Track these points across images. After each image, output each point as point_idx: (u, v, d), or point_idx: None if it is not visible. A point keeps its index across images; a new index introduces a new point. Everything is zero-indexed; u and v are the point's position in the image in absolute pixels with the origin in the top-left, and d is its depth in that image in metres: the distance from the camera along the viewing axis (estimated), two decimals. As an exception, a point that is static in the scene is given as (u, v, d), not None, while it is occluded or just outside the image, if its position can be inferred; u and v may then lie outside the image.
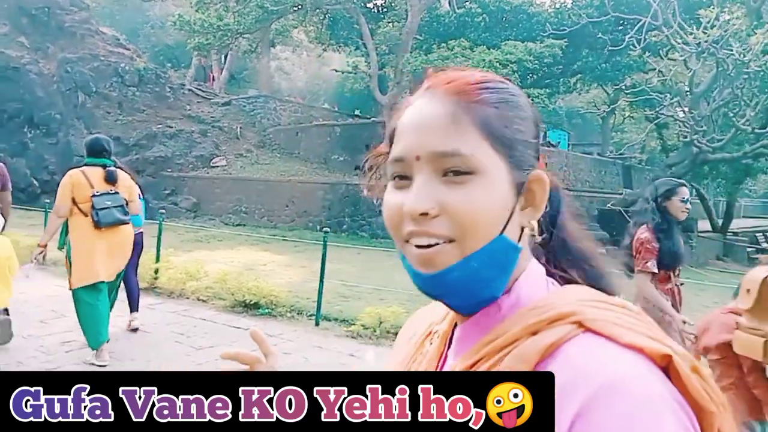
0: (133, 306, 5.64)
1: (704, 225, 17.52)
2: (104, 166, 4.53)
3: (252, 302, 6.73)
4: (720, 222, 18.09)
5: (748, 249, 18.32)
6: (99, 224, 4.31)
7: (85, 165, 4.52)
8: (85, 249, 4.35)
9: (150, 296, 7.29)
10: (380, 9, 19.46)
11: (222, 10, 15.92)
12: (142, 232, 5.69)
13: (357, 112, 30.71)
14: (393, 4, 17.47)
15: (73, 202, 4.33)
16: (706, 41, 10.11)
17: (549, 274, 0.68)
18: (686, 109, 11.51)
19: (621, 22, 15.57)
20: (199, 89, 25.73)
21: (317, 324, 6.28)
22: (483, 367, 0.58)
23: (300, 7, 15.21)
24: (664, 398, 0.50)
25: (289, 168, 21.07)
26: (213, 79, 28.81)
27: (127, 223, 4.59)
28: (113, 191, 4.47)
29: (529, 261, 0.66)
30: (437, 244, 0.59)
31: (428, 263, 0.60)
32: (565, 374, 0.51)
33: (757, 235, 20.50)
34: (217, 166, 21.44)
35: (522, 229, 0.64)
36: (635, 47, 12.69)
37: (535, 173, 0.64)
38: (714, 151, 12.20)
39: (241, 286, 6.93)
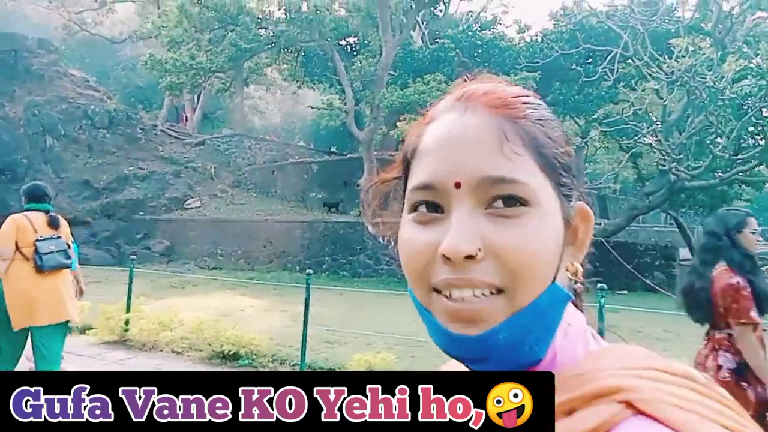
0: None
1: (684, 253, 17.60)
2: (46, 212, 4.59)
3: (231, 352, 6.29)
4: (698, 248, 18.20)
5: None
6: (42, 268, 4.26)
7: (27, 210, 4.53)
8: (25, 292, 4.25)
9: (120, 350, 6.78)
10: (353, 46, 19.56)
11: (194, 49, 15.75)
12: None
13: (333, 149, 30.64)
14: (366, 41, 17.56)
15: (16, 246, 4.28)
16: (679, 70, 10.25)
17: None
18: (660, 138, 11.60)
19: (591, 54, 15.87)
20: (172, 130, 25.37)
21: (303, 375, 5.85)
22: None
23: (273, 44, 15.14)
24: None
25: (265, 207, 20.67)
26: (186, 120, 28.51)
27: (69, 267, 4.59)
28: (56, 236, 4.49)
29: (568, 313, 0.53)
30: (482, 296, 0.48)
31: (468, 320, 0.48)
32: None
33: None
34: (191, 208, 20.92)
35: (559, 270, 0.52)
36: (608, 78, 12.86)
37: (580, 205, 0.54)
38: (691, 178, 12.28)
39: (218, 335, 6.49)
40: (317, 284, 14.26)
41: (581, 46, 13.36)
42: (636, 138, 14.16)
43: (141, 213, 20.26)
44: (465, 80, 0.57)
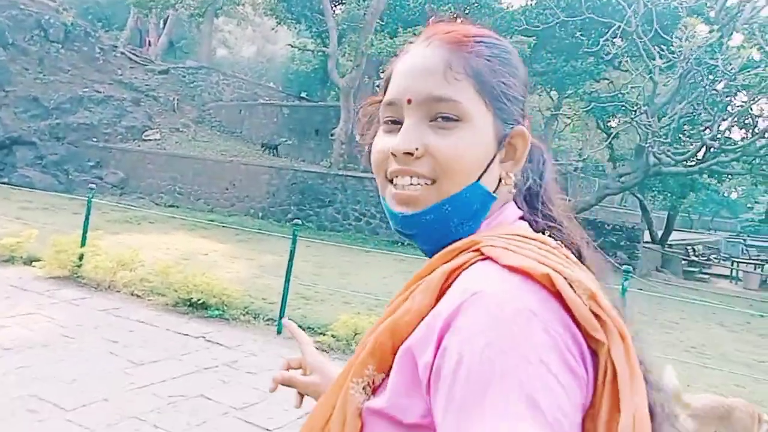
0: None
1: (645, 236, 17.89)
2: None
3: (199, 301, 5.73)
4: (659, 234, 18.54)
5: (683, 261, 18.96)
6: None
7: None
8: None
9: (72, 287, 6.11)
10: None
11: (169, -35, 14.30)
12: None
13: (303, 95, 29.44)
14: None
15: None
16: (690, 50, 9.94)
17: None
18: (651, 121, 11.39)
19: (585, 26, 15.42)
20: (133, 53, 23.61)
21: (279, 332, 5.38)
22: (406, 294, 0.60)
23: (257, -28, 13.92)
24: (532, 308, 0.49)
25: (230, 148, 19.66)
26: (149, 45, 26.62)
27: None
28: None
29: (505, 206, 0.68)
30: (418, 185, 0.63)
31: (406, 203, 0.63)
32: (450, 294, 0.54)
33: (687, 248, 21.34)
34: (150, 140, 19.66)
35: (500, 180, 0.66)
36: (606, 53, 12.48)
37: (519, 128, 0.66)
38: (675, 163, 12.22)
39: (185, 280, 5.91)
40: (280, 234, 13.71)
41: (584, 14, 12.84)
42: (619, 117, 13.96)
43: (94, 139, 18.88)
44: (435, 21, 0.69)
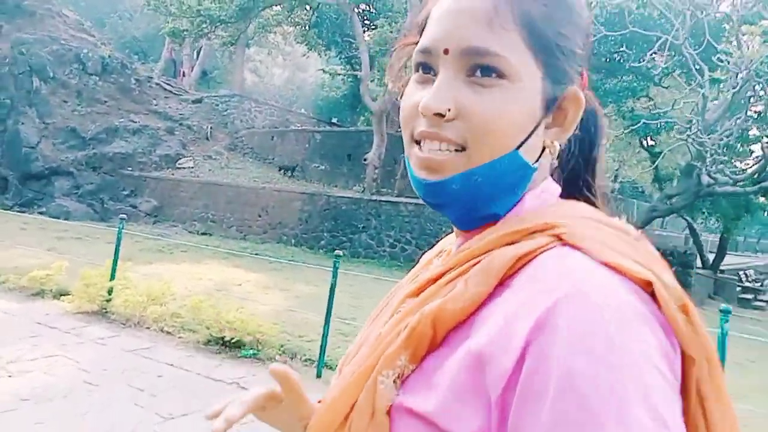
0: None
1: (697, 262, 16.89)
2: None
3: (232, 340, 5.32)
4: (711, 258, 17.52)
5: (737, 288, 17.83)
6: None
7: None
8: None
9: (100, 324, 5.79)
10: (369, 12, 18.24)
11: (200, -5, 14.46)
12: None
13: (335, 120, 29.44)
14: (386, 5, 16.32)
15: None
16: (737, 64, 9.31)
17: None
18: (704, 139, 10.70)
19: (626, 41, 14.86)
20: (168, 84, 23.98)
21: (319, 375, 4.92)
22: (452, 275, 0.52)
23: (289, -1, 13.91)
24: (639, 310, 0.44)
25: (262, 174, 19.56)
26: (183, 75, 27.08)
27: None
28: None
29: (545, 180, 0.60)
30: (447, 150, 0.54)
31: (430, 169, 0.55)
32: (528, 287, 0.47)
33: (740, 273, 20.15)
34: (184, 168, 19.75)
35: (543, 148, 0.58)
36: (652, 68, 11.89)
37: (572, 90, 0.56)
38: (733, 183, 11.44)
39: (218, 316, 5.52)
40: (314, 260, 13.32)
41: (623, 30, 12.31)
42: (668, 135, 13.24)
43: (129, 168, 19.05)
44: None
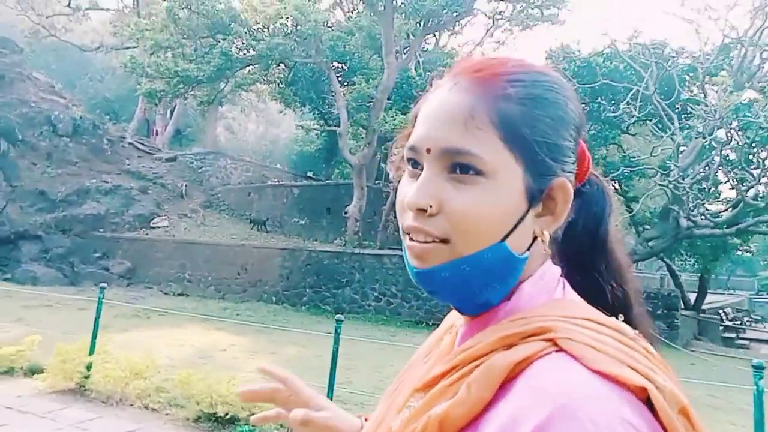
0: None
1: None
2: None
3: (226, 416, 4.94)
4: (692, 299, 17.66)
5: (720, 327, 17.93)
6: None
7: None
8: None
9: (78, 404, 5.34)
10: (345, 69, 18.58)
11: (178, 56, 14.42)
12: None
13: (310, 174, 29.45)
14: (361, 63, 16.65)
15: None
16: (723, 108, 9.63)
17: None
18: (684, 183, 10.94)
19: (593, 94, 15.38)
20: (141, 143, 23.76)
21: (322, 451, 4.56)
22: (456, 375, 0.55)
23: (266, 57, 13.98)
24: (631, 425, 0.44)
25: (240, 231, 19.21)
26: (156, 134, 26.91)
27: None
28: None
29: (542, 266, 0.61)
30: (432, 242, 0.57)
31: (419, 258, 0.58)
32: (524, 395, 0.48)
33: (720, 312, 20.33)
34: (158, 227, 19.27)
35: (534, 237, 0.60)
36: (621, 117, 12.24)
37: (559, 180, 0.58)
38: (713, 225, 11.63)
39: (209, 390, 5.14)
40: (298, 319, 12.90)
41: (592, 83, 12.73)
42: (642, 181, 13.53)
43: (101, 230, 18.48)
44: (467, 56, 0.66)
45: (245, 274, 16.24)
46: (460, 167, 0.56)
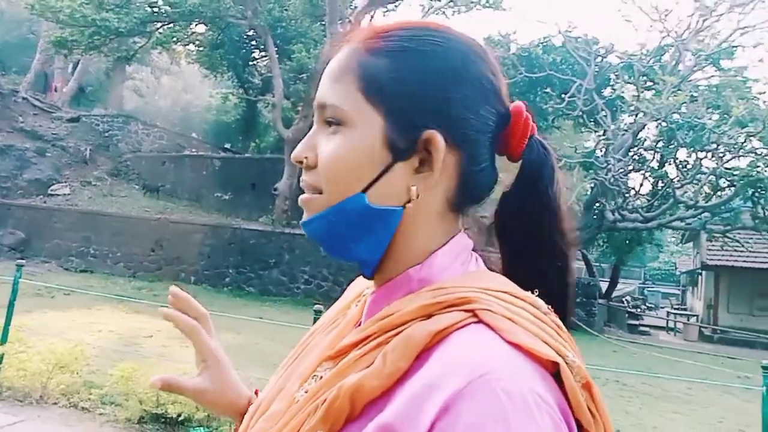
0: None
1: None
2: None
3: (179, 417, 4.30)
4: (603, 287, 18.73)
5: (625, 315, 19.19)
6: None
7: None
8: None
9: (-12, 405, 4.43)
10: (286, 35, 17.43)
11: (96, 3, 12.72)
12: None
13: (227, 146, 27.87)
14: (302, 32, 15.69)
15: None
16: (656, 109, 10.02)
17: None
18: (618, 177, 11.36)
19: (532, 84, 15.64)
20: (37, 99, 21.19)
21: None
22: (371, 345, 0.53)
23: (197, 13, 12.73)
24: (542, 397, 0.46)
25: (153, 204, 17.70)
26: (55, 90, 24.15)
27: None
28: None
29: (453, 234, 0.60)
30: (312, 193, 0.59)
31: (304, 209, 0.60)
32: (441, 365, 0.48)
33: (623, 300, 21.82)
34: (58, 195, 17.30)
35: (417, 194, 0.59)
36: (573, 110, 12.48)
37: (427, 133, 0.56)
38: (639, 219, 12.22)
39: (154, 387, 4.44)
40: (220, 301, 12.06)
41: (531, 73, 12.87)
42: (572, 174, 13.96)
43: (-11, 195, 16.27)
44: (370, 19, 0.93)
45: (160, 250, 14.99)
46: (329, 120, 0.57)
